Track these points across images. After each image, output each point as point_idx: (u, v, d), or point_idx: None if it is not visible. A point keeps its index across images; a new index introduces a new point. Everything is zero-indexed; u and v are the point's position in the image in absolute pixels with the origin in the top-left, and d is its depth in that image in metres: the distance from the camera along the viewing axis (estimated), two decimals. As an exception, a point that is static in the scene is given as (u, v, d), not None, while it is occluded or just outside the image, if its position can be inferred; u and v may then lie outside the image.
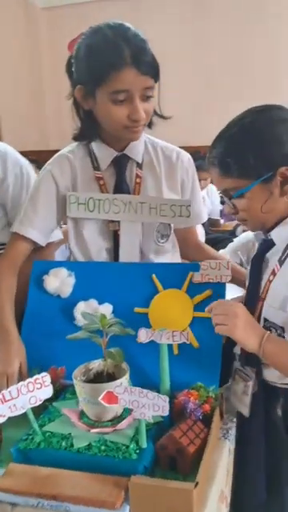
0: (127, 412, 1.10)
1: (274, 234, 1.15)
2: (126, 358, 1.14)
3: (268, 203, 1.11)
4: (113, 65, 1.21)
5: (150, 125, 1.37)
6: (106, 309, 1.32)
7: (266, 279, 1.15)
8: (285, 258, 1.12)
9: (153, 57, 1.25)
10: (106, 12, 4.89)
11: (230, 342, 1.28)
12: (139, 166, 1.43)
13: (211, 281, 1.27)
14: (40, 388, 1.05)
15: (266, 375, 1.16)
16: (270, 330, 1.10)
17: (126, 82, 1.23)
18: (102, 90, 1.26)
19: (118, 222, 1.41)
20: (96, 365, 1.16)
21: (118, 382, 1.06)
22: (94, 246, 1.44)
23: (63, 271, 1.39)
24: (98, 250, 1.44)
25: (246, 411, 1.14)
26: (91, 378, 1.14)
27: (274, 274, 1.13)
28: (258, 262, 1.19)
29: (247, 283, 1.25)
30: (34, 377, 1.05)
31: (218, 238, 3.42)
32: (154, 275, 1.32)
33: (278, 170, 1.09)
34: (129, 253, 1.41)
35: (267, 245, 1.19)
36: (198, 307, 1.27)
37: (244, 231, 2.74)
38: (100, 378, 1.13)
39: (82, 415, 1.11)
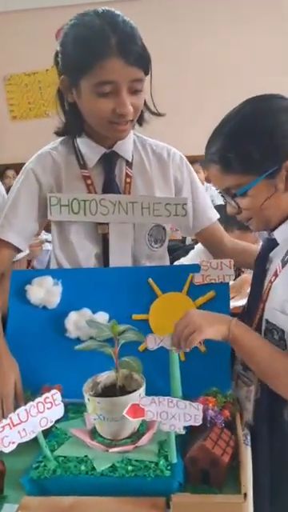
0: (144, 426, 1.02)
1: (278, 233, 1.10)
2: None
3: (272, 199, 1.06)
4: (97, 53, 1.13)
5: (140, 122, 1.30)
6: (102, 318, 1.22)
7: (268, 280, 1.10)
8: (287, 259, 1.07)
9: (143, 46, 1.17)
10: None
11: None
12: (129, 164, 1.35)
13: (213, 281, 1.21)
14: (50, 408, 0.94)
15: None
16: (272, 333, 1.06)
17: (112, 72, 1.14)
18: (86, 81, 1.17)
19: (107, 224, 1.32)
20: (104, 377, 1.06)
21: (136, 393, 0.97)
22: (81, 252, 1.34)
23: (48, 280, 1.28)
24: (87, 256, 1.34)
25: (248, 417, 1.08)
26: (99, 392, 1.04)
27: (275, 274, 1.08)
28: (261, 263, 1.14)
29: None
30: (44, 396, 0.94)
31: (174, 246, 3.37)
32: (150, 279, 1.25)
33: (283, 163, 1.03)
34: (120, 258, 1.32)
35: (270, 244, 1.14)
36: (202, 309, 1.20)
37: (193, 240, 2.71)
38: (110, 391, 1.03)
39: (94, 434, 1.01)
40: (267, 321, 1.07)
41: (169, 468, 0.90)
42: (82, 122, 1.27)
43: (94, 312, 1.23)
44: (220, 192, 1.14)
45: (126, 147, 1.35)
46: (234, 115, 1.08)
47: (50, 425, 0.93)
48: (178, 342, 1.04)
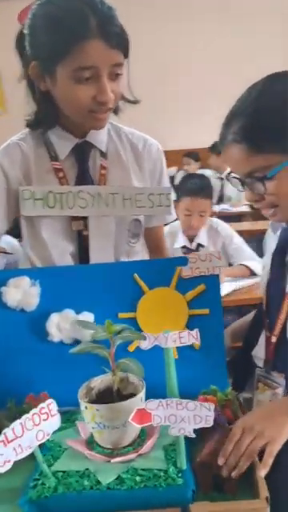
0: (145, 432, 0.95)
1: None
2: None
3: None
4: (77, 36, 1.04)
5: (115, 110, 1.23)
6: (86, 318, 1.14)
7: None
8: None
9: (122, 28, 1.09)
10: None
11: (247, 346, 1.18)
12: (103, 155, 1.27)
13: (203, 274, 1.16)
14: (47, 419, 0.85)
15: None
16: None
17: (92, 56, 1.06)
18: (63, 67, 1.08)
19: (83, 220, 1.24)
20: (98, 382, 0.99)
21: (137, 397, 0.90)
22: (55, 250, 1.25)
23: (25, 280, 1.18)
24: (61, 254, 1.25)
25: None
26: (94, 398, 0.97)
27: None
28: (280, 254, 1.09)
29: (266, 279, 1.15)
30: (39, 406, 0.85)
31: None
32: (136, 274, 1.17)
33: None
34: (101, 255, 1.24)
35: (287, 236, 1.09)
36: (193, 304, 1.15)
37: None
38: (105, 397, 0.96)
39: (92, 445, 0.93)
40: None
41: (180, 475, 0.84)
42: (57, 112, 1.18)
43: (77, 312, 1.15)
44: (235, 177, 1.05)
45: (100, 137, 1.27)
46: (257, 91, 1.00)
47: (46, 438, 0.85)
48: (237, 460, 0.87)
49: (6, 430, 0.80)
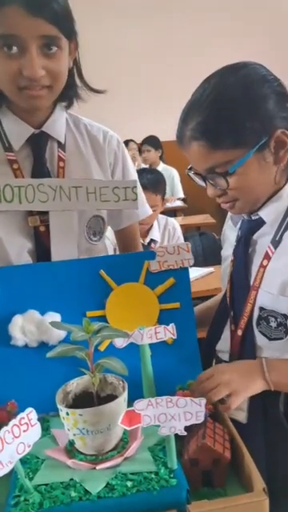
0: (127, 433, 0.90)
1: (265, 213, 1.03)
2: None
3: (261, 175, 0.98)
4: None
5: (70, 97, 1.16)
6: (53, 319, 1.07)
7: (258, 264, 1.04)
8: (279, 239, 1.01)
9: (57, 1, 1.01)
10: None
11: (210, 339, 1.16)
12: (61, 146, 1.20)
13: (172, 267, 1.13)
14: (27, 430, 0.78)
15: None
16: (268, 320, 1.01)
17: (11, 23, 0.98)
18: None
19: (39, 215, 1.16)
20: (74, 386, 0.93)
21: (121, 398, 0.86)
22: (12, 247, 1.16)
23: (-19, 282, 1.09)
24: (18, 252, 1.17)
25: (243, 417, 1.02)
26: (70, 403, 0.91)
27: (267, 257, 1.02)
28: (243, 246, 1.08)
29: (228, 271, 1.13)
30: (18, 417, 0.78)
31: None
32: (102, 270, 1.12)
33: (273, 133, 0.96)
34: (64, 252, 1.17)
35: (253, 226, 1.07)
36: (163, 298, 1.12)
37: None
38: (82, 400, 0.91)
39: (72, 453, 0.87)
40: (262, 308, 1.01)
41: (172, 476, 0.81)
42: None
43: (42, 313, 1.08)
44: (196, 174, 1.04)
45: (58, 127, 1.21)
46: (213, 85, 0.97)
47: (27, 450, 0.78)
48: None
49: (-15, 446, 0.73)
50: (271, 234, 1.04)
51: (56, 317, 1.08)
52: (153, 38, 6.00)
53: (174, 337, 1.01)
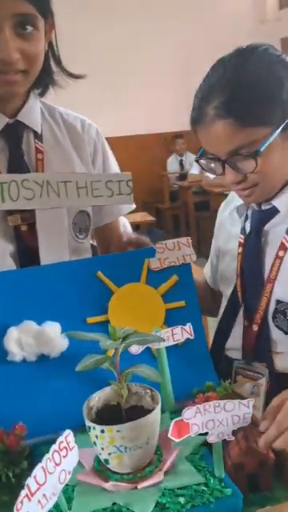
0: (159, 446, 0.83)
1: (279, 201, 1.00)
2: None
3: (284, 157, 0.95)
4: None
5: (45, 83, 1.07)
6: (52, 329, 0.97)
7: (273, 256, 1.00)
8: None
9: None
10: None
11: (219, 338, 1.11)
12: (38, 137, 1.10)
13: (173, 264, 1.07)
14: (66, 455, 0.69)
15: (277, 365, 1.02)
16: (285, 313, 0.98)
17: None
18: None
19: (20, 213, 1.06)
20: (96, 400, 0.84)
21: (158, 408, 0.79)
22: None
23: None
24: (0, 256, 1.06)
25: (258, 415, 0.98)
26: (94, 418, 0.82)
27: (284, 248, 0.99)
28: (255, 238, 1.03)
29: (237, 264, 1.08)
30: (58, 441, 0.68)
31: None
32: (99, 272, 1.04)
33: None
34: (54, 254, 1.07)
35: (263, 216, 1.03)
36: (167, 297, 1.06)
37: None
38: (107, 414, 0.82)
39: (104, 474, 0.79)
40: (279, 301, 0.98)
41: (223, 485, 0.75)
42: None
43: (39, 323, 0.98)
44: (213, 159, 0.97)
45: (33, 116, 1.11)
46: (234, 65, 0.94)
47: (68, 478, 0.69)
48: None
49: (28, 481, 0.63)
50: (285, 223, 1.01)
51: (55, 326, 0.98)
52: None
53: (192, 337, 0.96)
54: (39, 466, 0.64)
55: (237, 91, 0.92)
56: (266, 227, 1.05)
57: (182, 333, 0.96)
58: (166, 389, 0.95)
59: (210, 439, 0.75)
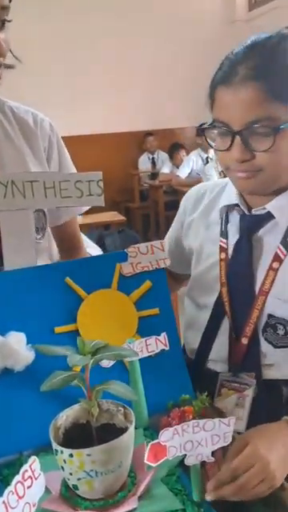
0: (131, 468, 0.77)
1: (276, 208, 0.94)
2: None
3: None
4: None
5: None
6: (17, 339, 0.90)
7: (267, 267, 0.95)
8: None
9: None
10: None
11: (203, 349, 1.05)
12: None
13: (146, 269, 1.01)
14: (31, 486, 0.62)
15: (266, 375, 0.97)
16: (275, 328, 0.93)
17: None
18: None
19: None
20: (63, 419, 0.77)
21: (132, 427, 0.73)
22: None
23: None
24: None
25: (242, 426, 0.93)
26: (61, 441, 0.75)
27: (279, 260, 0.93)
28: (246, 245, 0.97)
29: (222, 271, 1.02)
30: (22, 470, 0.61)
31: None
32: (67, 278, 0.97)
33: None
34: (19, 258, 0.99)
35: (254, 222, 0.98)
36: (140, 304, 0.99)
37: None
38: (75, 435, 0.75)
39: (72, 500, 0.72)
40: (271, 315, 0.92)
41: (202, 510, 0.69)
42: None
43: (2, 334, 0.90)
44: (224, 128, 0.89)
45: None
46: (281, 35, 0.87)
47: (33, 510, 0.62)
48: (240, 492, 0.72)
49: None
50: (279, 233, 0.96)
51: (19, 337, 0.91)
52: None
53: (167, 348, 0.90)
54: (0, 500, 0.57)
55: (278, 58, 0.85)
56: (258, 234, 0.99)
57: (156, 344, 0.90)
58: (139, 404, 0.89)
59: (189, 462, 0.69)
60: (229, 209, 1.03)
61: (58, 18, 5.69)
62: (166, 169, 6.09)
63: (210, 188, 1.14)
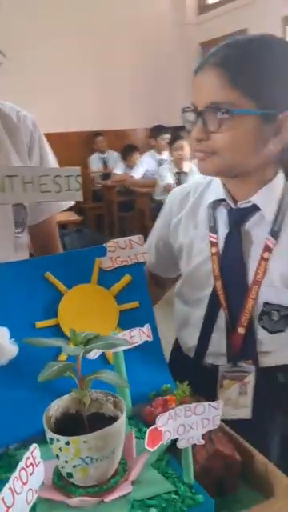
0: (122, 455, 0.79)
1: (260, 200, 0.98)
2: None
3: (252, 141, 0.93)
4: None
5: None
6: (1, 333, 0.90)
7: (258, 258, 0.99)
8: (279, 229, 0.97)
9: None
10: None
11: (201, 345, 1.08)
12: None
13: (126, 263, 1.03)
14: (32, 473, 0.63)
15: (263, 362, 1.02)
16: (270, 315, 0.98)
17: None
18: None
19: None
20: (54, 409, 0.78)
21: (124, 415, 0.75)
22: None
23: None
24: None
25: (247, 413, 0.97)
26: (53, 429, 0.76)
27: (268, 250, 0.98)
28: (236, 238, 1.01)
29: (214, 265, 1.04)
30: (24, 457, 0.62)
31: None
32: (48, 273, 0.98)
33: (282, 112, 0.93)
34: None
35: (243, 214, 1.01)
36: (120, 298, 1.02)
37: None
38: (67, 424, 0.77)
39: (66, 488, 0.74)
40: (266, 303, 0.97)
41: (194, 491, 0.73)
42: None
43: (-16, 329, 0.90)
44: (193, 110, 0.96)
45: None
46: (260, 37, 0.95)
47: (35, 497, 0.63)
48: None
49: (-5, 504, 0.56)
50: (267, 224, 1.00)
51: (3, 331, 0.91)
52: None
53: (151, 339, 0.93)
54: (6, 486, 0.58)
55: (246, 53, 0.92)
56: (246, 226, 1.03)
57: (140, 335, 0.92)
58: (123, 394, 0.91)
59: (181, 445, 0.72)
60: (216, 204, 1.07)
61: (7, 16, 5.58)
62: (118, 170, 6.11)
63: (193, 188, 1.17)
